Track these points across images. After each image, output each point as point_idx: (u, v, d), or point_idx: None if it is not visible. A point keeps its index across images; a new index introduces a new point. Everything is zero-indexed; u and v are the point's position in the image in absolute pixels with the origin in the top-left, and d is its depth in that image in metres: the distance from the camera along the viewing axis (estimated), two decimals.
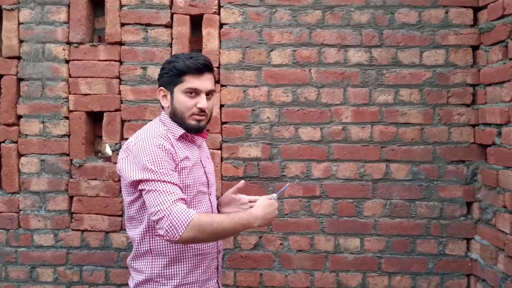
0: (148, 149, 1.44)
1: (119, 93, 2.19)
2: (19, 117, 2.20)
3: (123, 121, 2.20)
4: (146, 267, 1.52)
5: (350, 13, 2.17)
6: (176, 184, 1.42)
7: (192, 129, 1.56)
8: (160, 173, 1.41)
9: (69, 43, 2.19)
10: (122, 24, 2.19)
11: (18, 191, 2.19)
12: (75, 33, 2.19)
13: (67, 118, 2.19)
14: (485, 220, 2.06)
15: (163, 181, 1.40)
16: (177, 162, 1.49)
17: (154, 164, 1.41)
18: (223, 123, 2.20)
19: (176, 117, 1.55)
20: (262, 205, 1.50)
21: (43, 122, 2.19)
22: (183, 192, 1.46)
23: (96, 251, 2.19)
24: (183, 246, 1.50)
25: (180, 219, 1.33)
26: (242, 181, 1.68)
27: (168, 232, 1.34)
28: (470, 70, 2.14)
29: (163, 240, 1.46)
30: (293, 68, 2.19)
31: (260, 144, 2.19)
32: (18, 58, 2.20)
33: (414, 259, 2.16)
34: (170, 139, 1.51)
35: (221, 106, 2.20)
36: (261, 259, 2.19)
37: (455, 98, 2.15)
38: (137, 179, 1.43)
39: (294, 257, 2.18)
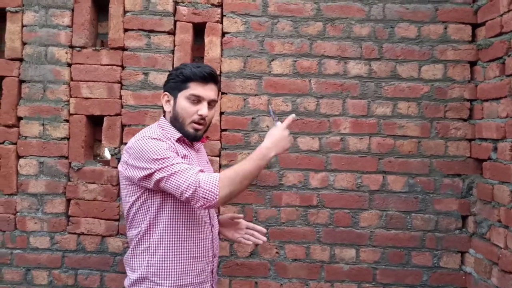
0: (148, 145, 1.48)
1: (120, 97, 2.21)
2: (19, 118, 2.21)
3: (123, 126, 2.21)
4: (142, 265, 1.54)
5: (350, 26, 2.21)
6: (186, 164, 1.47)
7: (189, 136, 1.60)
8: (168, 158, 1.45)
9: (72, 46, 2.21)
10: (125, 30, 2.21)
11: (16, 192, 2.19)
12: (78, 37, 2.20)
13: (67, 121, 2.20)
14: (479, 234, 2.08)
15: (175, 163, 1.44)
16: (180, 156, 1.54)
17: (159, 154, 1.45)
18: (222, 130, 2.22)
19: (176, 122, 1.59)
20: (269, 134, 1.55)
21: (43, 125, 2.19)
22: None
23: (91, 255, 2.18)
24: (177, 247, 1.52)
25: (210, 183, 1.40)
26: (241, 216, 1.79)
27: (206, 198, 1.40)
28: (467, 86, 2.17)
29: (202, 208, 1.44)
30: (293, 78, 2.22)
31: None
32: (21, 60, 2.21)
33: (409, 271, 2.17)
34: (167, 139, 1.56)
35: (221, 113, 2.21)
36: (257, 267, 2.19)
37: (452, 113, 2.18)
38: (149, 172, 1.44)
39: (290, 266, 2.19)
